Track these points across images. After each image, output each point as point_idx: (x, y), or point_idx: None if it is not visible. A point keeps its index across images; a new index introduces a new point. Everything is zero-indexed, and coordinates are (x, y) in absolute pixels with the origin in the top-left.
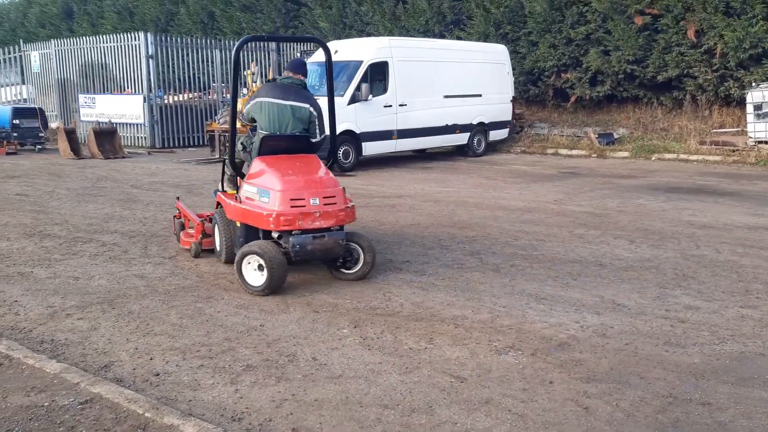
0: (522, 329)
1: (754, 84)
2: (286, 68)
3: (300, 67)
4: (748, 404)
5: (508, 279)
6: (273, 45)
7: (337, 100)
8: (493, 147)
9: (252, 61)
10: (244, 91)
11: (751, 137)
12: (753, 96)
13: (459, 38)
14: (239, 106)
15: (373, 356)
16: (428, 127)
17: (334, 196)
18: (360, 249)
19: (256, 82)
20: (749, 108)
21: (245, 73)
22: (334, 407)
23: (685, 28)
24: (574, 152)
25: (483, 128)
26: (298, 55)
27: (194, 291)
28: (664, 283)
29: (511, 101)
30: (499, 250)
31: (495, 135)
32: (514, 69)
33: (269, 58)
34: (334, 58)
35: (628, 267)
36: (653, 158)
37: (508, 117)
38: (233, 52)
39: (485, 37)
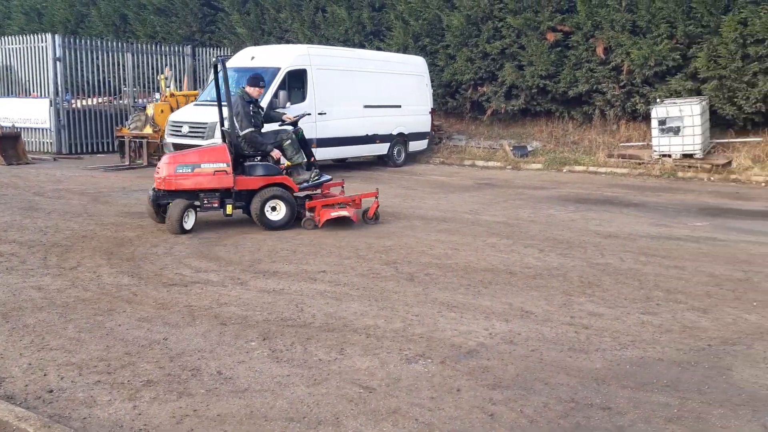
0: (433, 337)
1: (658, 100)
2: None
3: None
4: (647, 408)
5: (422, 288)
6: (188, 50)
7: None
8: (413, 157)
9: (166, 65)
10: (157, 96)
11: (655, 151)
12: (657, 111)
13: (379, 49)
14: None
15: (281, 368)
16: (348, 137)
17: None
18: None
19: (169, 87)
20: (654, 123)
21: (158, 77)
22: (238, 422)
23: (594, 46)
24: (490, 164)
25: (403, 139)
26: (214, 60)
27: (94, 303)
28: (570, 290)
29: (430, 113)
30: (414, 260)
31: (414, 146)
32: (432, 81)
33: (184, 63)
34: (251, 64)
35: (536, 275)
36: (564, 170)
37: (427, 128)
38: (218, 65)
39: (404, 49)
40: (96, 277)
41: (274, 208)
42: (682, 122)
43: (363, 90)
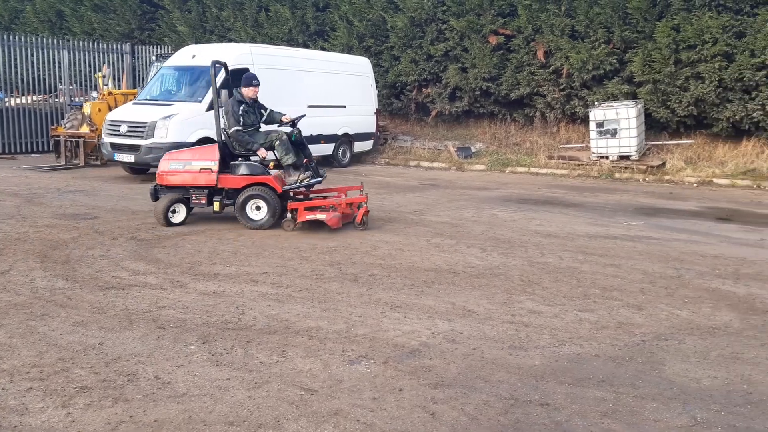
0: (376, 338)
1: (596, 103)
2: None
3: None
4: (583, 403)
5: (366, 288)
6: (127, 47)
7: (194, 106)
8: (358, 158)
9: (104, 63)
10: (94, 94)
11: (594, 152)
12: (595, 114)
13: (323, 49)
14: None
15: (221, 372)
16: None
17: None
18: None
19: (107, 85)
20: (592, 125)
21: (96, 75)
22: (176, 427)
23: (535, 49)
24: (435, 165)
25: (348, 139)
26: (153, 58)
27: (27, 308)
28: (511, 289)
29: (375, 113)
30: (358, 260)
31: (360, 146)
32: (377, 82)
33: (123, 62)
34: (192, 63)
35: (479, 274)
36: (507, 171)
37: (373, 129)
38: (210, 69)
39: (349, 50)
40: (29, 281)
41: (258, 208)
42: (618, 125)
43: (307, 90)
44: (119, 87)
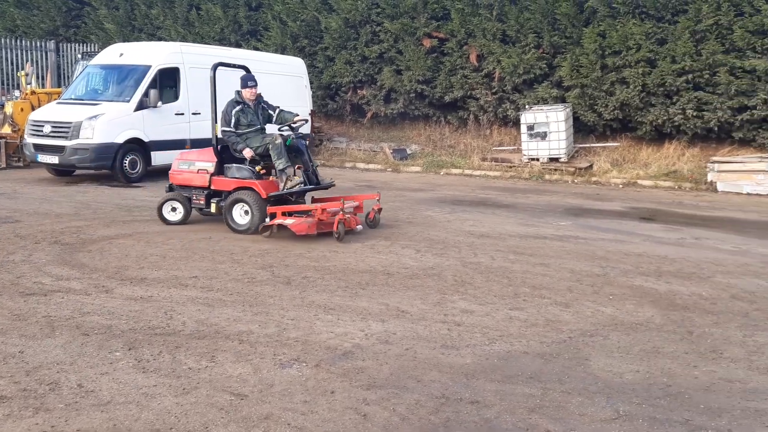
0: (308, 341)
1: (527, 107)
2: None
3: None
4: (512, 400)
5: (299, 291)
6: (52, 45)
7: (122, 106)
8: None
9: (27, 61)
10: (16, 93)
11: (525, 155)
12: (526, 117)
13: (256, 49)
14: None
15: (147, 379)
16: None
17: None
18: None
19: (30, 83)
20: (523, 128)
21: (18, 74)
22: None
23: (468, 53)
24: (371, 166)
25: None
26: (79, 56)
27: None
28: (445, 289)
29: (310, 114)
30: (292, 263)
31: None
32: (312, 83)
33: (47, 60)
34: (119, 61)
35: (413, 275)
36: (442, 173)
37: (307, 130)
38: (210, 72)
39: (282, 50)
40: None
41: (247, 212)
42: (548, 128)
43: None
44: (43, 86)
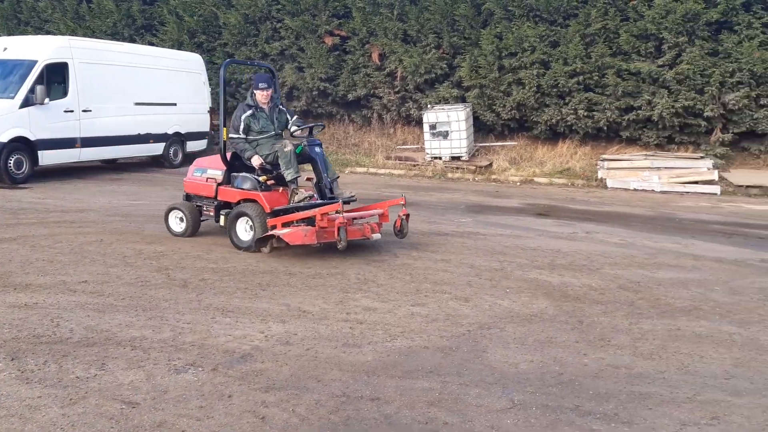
0: (205, 345)
1: (429, 106)
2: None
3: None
4: (412, 395)
5: (196, 294)
6: None
7: (6, 103)
8: (192, 158)
9: None
10: None
11: (428, 153)
12: (428, 117)
13: (151, 44)
14: None
15: (31, 390)
16: (118, 136)
17: None
18: None
19: None
20: (425, 127)
21: None
22: None
23: (370, 52)
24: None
25: (180, 138)
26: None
27: None
28: (347, 287)
29: (209, 112)
30: (189, 265)
31: (193, 146)
32: (210, 80)
33: None
34: (3, 56)
35: (315, 275)
36: (347, 171)
37: (206, 128)
38: (221, 70)
39: (179, 45)
40: None
41: (253, 227)
42: (449, 127)
43: (134, 86)
44: None
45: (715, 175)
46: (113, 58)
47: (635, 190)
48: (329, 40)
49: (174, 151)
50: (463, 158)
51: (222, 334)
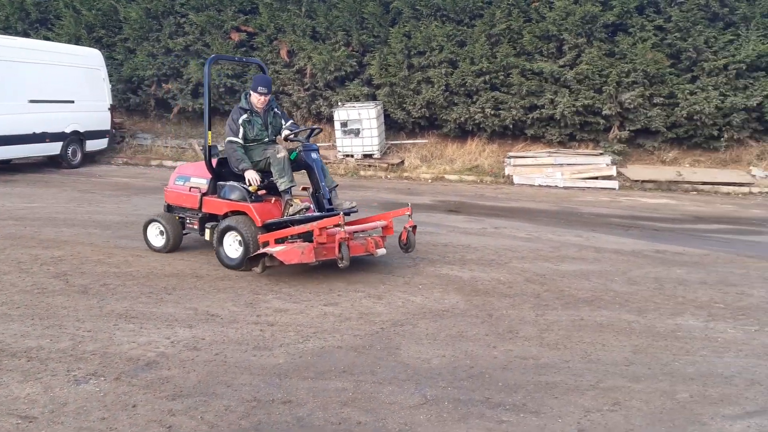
0: (107, 353)
1: (340, 104)
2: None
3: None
4: (325, 396)
5: (97, 300)
6: None
7: None
8: (92, 158)
9: None
10: None
11: (339, 151)
12: (339, 114)
13: (47, 38)
14: None
15: None
16: (10, 135)
17: None
18: None
19: None
20: (337, 125)
21: None
22: None
23: (278, 48)
24: (180, 164)
25: (78, 137)
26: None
27: None
28: (258, 289)
29: (110, 109)
30: (89, 270)
31: (93, 145)
32: (111, 76)
33: None
34: None
35: (224, 277)
36: None
37: (107, 126)
38: (205, 67)
39: (77, 40)
40: None
41: (241, 243)
42: (361, 125)
43: (27, 83)
44: None
45: (613, 171)
46: (5, 54)
47: (540, 186)
48: (236, 36)
49: (72, 151)
50: (375, 156)
51: (125, 341)
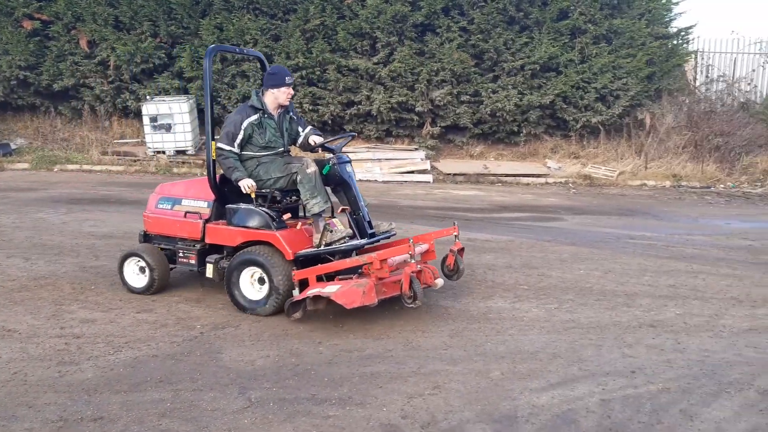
0: None
1: (148, 97)
2: None
3: None
4: (140, 409)
5: None
6: None
7: None
8: None
9: None
10: None
11: (150, 147)
12: (148, 109)
13: None
14: None
15: None
16: None
17: None
18: None
19: None
20: (146, 120)
21: None
22: None
23: (77, 38)
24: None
25: None
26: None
27: None
28: (61, 299)
29: None
30: None
31: None
32: None
33: None
34: None
35: (21, 287)
36: (56, 169)
37: None
38: (205, 61)
39: None
40: None
41: (262, 281)
42: (173, 120)
43: None
44: None
45: (427, 165)
46: None
47: (360, 180)
48: (28, 25)
49: None
50: (189, 152)
51: None
